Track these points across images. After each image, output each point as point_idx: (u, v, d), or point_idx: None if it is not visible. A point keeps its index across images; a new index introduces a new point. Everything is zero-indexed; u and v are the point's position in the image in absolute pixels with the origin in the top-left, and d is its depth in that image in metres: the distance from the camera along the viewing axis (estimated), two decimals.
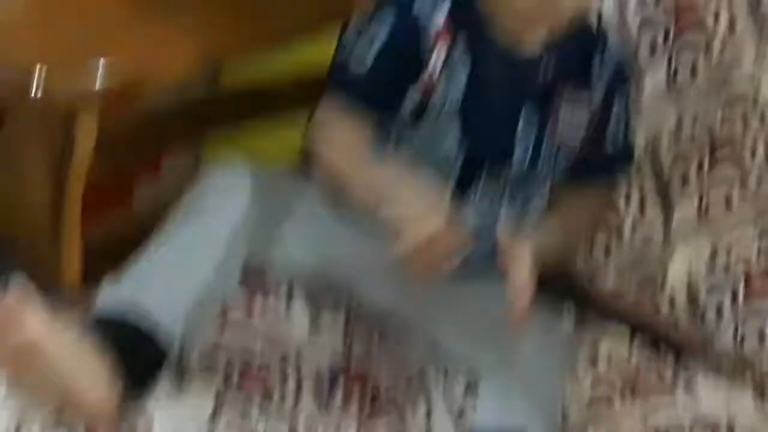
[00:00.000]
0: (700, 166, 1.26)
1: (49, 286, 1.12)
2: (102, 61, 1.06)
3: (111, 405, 1.03)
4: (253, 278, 1.21)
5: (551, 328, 1.23)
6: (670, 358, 1.26)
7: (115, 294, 1.09)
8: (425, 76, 1.15)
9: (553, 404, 1.18)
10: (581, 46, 1.20)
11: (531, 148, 1.19)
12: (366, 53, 1.15)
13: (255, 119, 1.34)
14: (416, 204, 1.07)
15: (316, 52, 1.28)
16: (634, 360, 1.26)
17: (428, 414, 1.17)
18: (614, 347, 1.27)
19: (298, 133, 1.25)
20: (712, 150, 1.25)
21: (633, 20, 1.29)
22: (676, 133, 1.27)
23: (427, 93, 1.16)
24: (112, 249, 1.20)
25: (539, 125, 1.18)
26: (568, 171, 1.22)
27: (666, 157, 1.28)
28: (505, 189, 1.20)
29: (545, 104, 1.18)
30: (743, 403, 1.22)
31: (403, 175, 1.11)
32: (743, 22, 1.23)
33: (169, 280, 1.11)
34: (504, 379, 1.15)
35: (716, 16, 1.24)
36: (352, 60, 1.16)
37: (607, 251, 1.31)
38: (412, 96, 1.16)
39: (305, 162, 1.24)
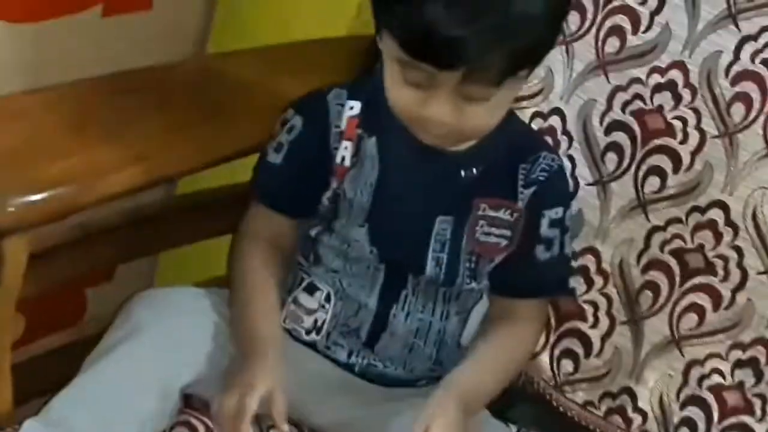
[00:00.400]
0: (671, 286, 1.22)
1: None
2: (30, 179, 1.04)
3: None
4: (196, 402, 1.16)
5: None
6: None
7: (47, 421, 1.05)
8: (334, 171, 1.15)
9: None
10: (508, 156, 1.16)
11: (445, 262, 1.15)
12: (282, 144, 1.16)
13: (205, 231, 1.32)
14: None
15: None
16: None
17: None
18: None
19: None
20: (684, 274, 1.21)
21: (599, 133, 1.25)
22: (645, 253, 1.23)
23: (335, 197, 1.15)
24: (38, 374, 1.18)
25: (451, 238, 1.15)
26: (496, 284, 1.19)
27: (635, 276, 1.24)
28: (435, 296, 1.17)
29: (461, 217, 1.14)
30: None
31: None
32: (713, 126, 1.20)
33: (104, 408, 1.07)
34: None
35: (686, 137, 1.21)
36: (270, 150, 1.17)
37: (576, 363, 1.26)
38: (328, 191, 1.16)
39: None
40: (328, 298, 1.17)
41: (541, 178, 1.16)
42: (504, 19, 1.00)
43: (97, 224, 1.20)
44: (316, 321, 1.18)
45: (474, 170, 1.14)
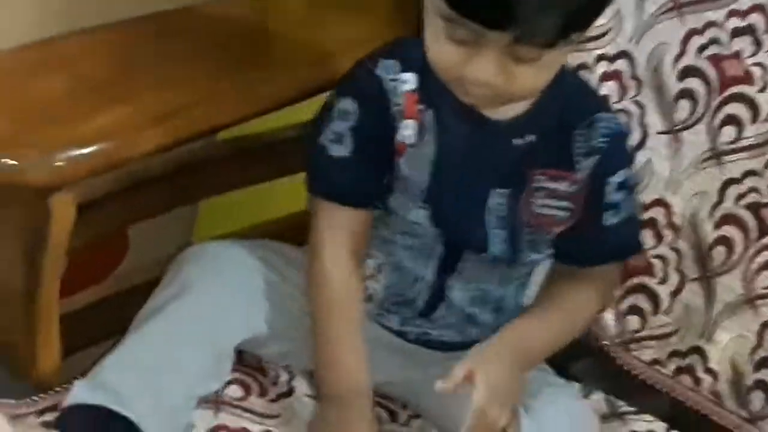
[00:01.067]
0: (746, 243, 1.18)
1: (23, 376, 1.08)
2: (74, 134, 1.02)
3: None
4: (249, 359, 1.15)
5: (583, 416, 1.13)
6: None
7: (94, 386, 1.03)
8: (395, 151, 1.08)
9: None
10: (563, 120, 1.09)
11: (506, 234, 1.10)
12: (342, 135, 1.08)
13: (249, 180, 1.29)
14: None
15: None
16: None
17: None
18: None
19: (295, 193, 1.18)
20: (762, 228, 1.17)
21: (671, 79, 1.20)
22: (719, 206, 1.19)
23: (394, 173, 1.09)
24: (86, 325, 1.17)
25: (508, 211, 1.09)
26: (563, 253, 1.13)
27: (707, 230, 1.20)
28: (495, 271, 1.13)
29: (516, 188, 1.09)
30: None
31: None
32: None
33: (153, 373, 1.04)
34: None
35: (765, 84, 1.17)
36: (329, 143, 1.08)
37: (643, 320, 1.23)
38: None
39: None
40: (380, 269, 1.14)
41: (601, 145, 1.09)
42: None
43: (142, 173, 1.17)
44: (369, 290, 1.14)
45: (527, 138, 1.08)
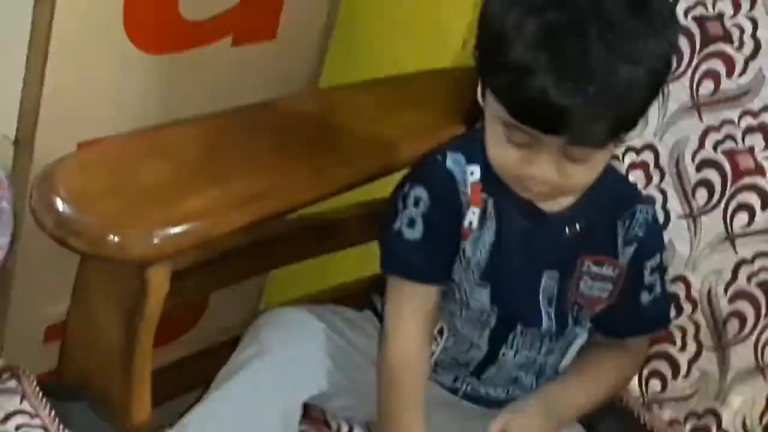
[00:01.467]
0: (757, 317, 1.20)
1: (118, 424, 1.11)
2: (171, 219, 1.06)
3: None
4: (315, 412, 1.18)
5: None
6: None
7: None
8: (461, 234, 1.11)
9: None
10: (606, 212, 1.14)
11: (554, 312, 1.13)
12: (414, 220, 1.11)
13: (318, 252, 1.32)
14: None
15: (380, 188, 1.24)
16: None
17: None
18: None
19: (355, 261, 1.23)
20: None
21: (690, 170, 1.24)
22: (733, 284, 1.21)
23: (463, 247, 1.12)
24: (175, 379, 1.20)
25: (558, 291, 1.13)
26: (602, 326, 1.18)
27: (723, 305, 1.22)
28: (542, 343, 1.16)
29: (566, 271, 1.12)
30: None
31: None
32: None
33: (234, 424, 1.09)
34: None
35: None
36: (404, 227, 1.11)
37: (664, 383, 1.25)
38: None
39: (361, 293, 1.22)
40: (441, 332, 1.16)
41: (640, 234, 1.14)
42: (609, 89, 0.97)
43: (224, 246, 1.20)
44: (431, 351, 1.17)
45: (577, 227, 1.12)
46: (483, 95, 1.06)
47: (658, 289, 1.17)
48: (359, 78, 1.41)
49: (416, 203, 1.10)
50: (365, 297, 1.25)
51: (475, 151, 1.10)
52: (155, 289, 1.06)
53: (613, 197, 1.14)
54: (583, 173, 1.04)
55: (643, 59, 0.99)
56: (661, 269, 1.18)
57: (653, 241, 1.16)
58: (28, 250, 1.23)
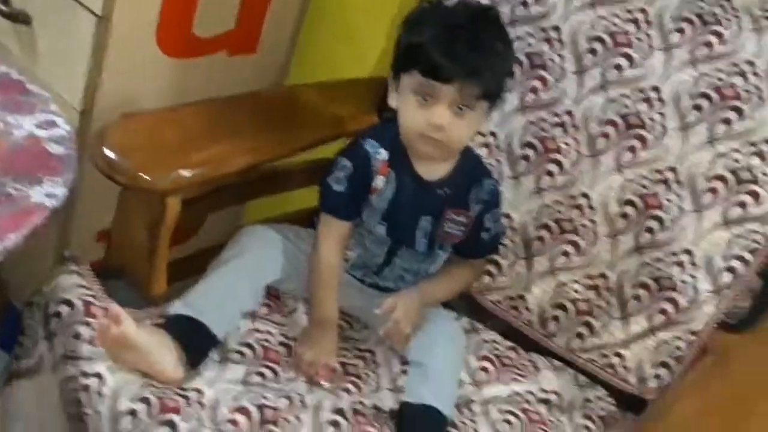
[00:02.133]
0: (553, 239, 1.18)
1: (145, 297, 1.07)
2: (185, 164, 1.01)
3: (178, 374, 0.97)
4: (273, 295, 1.14)
5: (455, 329, 1.15)
6: (524, 352, 1.20)
7: (185, 304, 1.03)
8: (370, 191, 1.09)
9: (455, 384, 1.09)
10: (465, 181, 1.12)
11: (427, 241, 1.12)
12: (341, 179, 1.09)
13: (281, 190, 1.27)
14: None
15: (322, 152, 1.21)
16: (504, 352, 1.19)
17: (377, 387, 1.08)
18: (492, 344, 1.20)
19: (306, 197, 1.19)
20: (560, 233, 1.18)
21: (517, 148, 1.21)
22: (538, 219, 1.20)
23: (368, 201, 1.10)
24: (183, 265, 1.15)
25: (431, 229, 1.11)
26: (457, 249, 1.16)
27: (531, 231, 1.20)
28: (418, 258, 1.14)
29: (436, 218, 1.11)
30: (567, 382, 1.16)
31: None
32: (585, 150, 1.16)
33: (219, 298, 1.04)
34: (425, 365, 1.07)
35: (568, 154, 1.17)
36: (333, 183, 1.09)
37: (492, 278, 1.23)
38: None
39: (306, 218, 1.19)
40: (353, 246, 1.13)
41: (485, 198, 1.13)
42: (488, 55, 1.00)
43: (220, 184, 1.14)
44: (348, 256, 1.14)
45: (446, 190, 1.10)
46: (396, 89, 1.05)
47: (493, 231, 1.16)
48: (313, 79, 1.35)
49: (343, 169, 1.09)
50: (311, 220, 1.20)
51: (385, 140, 1.09)
52: (171, 210, 1.02)
53: (470, 172, 1.13)
54: (465, 128, 1.03)
55: (507, 55, 1.06)
56: (498, 219, 1.16)
57: (494, 202, 1.15)
58: (87, 182, 1.16)
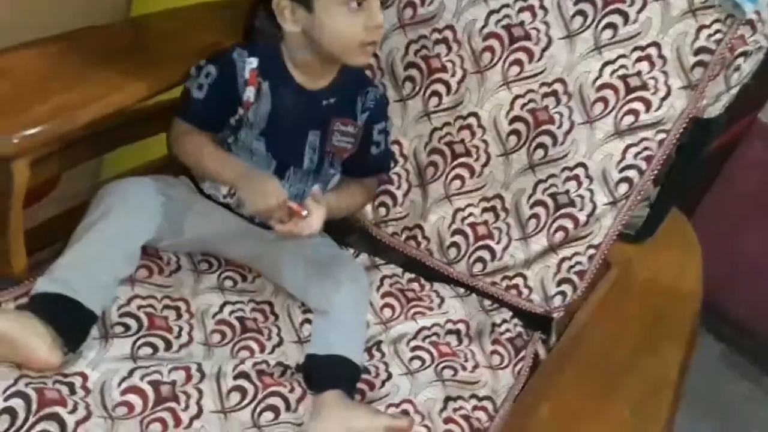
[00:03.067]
0: (445, 164, 1.15)
1: (2, 275, 0.95)
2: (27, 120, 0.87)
3: (55, 359, 0.88)
4: (151, 255, 1.05)
5: (356, 270, 1.10)
6: (427, 283, 1.17)
7: (51, 280, 0.92)
8: (242, 104, 1.03)
9: (362, 329, 1.05)
10: (350, 90, 1.07)
11: (316, 158, 1.07)
12: (203, 85, 1.02)
13: (140, 137, 1.14)
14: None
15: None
16: (406, 286, 1.16)
17: (280, 341, 1.03)
18: (394, 278, 1.17)
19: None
20: (453, 156, 1.14)
21: (400, 70, 1.15)
22: (429, 144, 1.15)
23: (243, 117, 1.04)
24: (42, 232, 1.03)
25: (319, 143, 1.06)
26: (347, 169, 1.11)
27: (423, 157, 1.16)
28: (308, 178, 1.08)
29: (323, 130, 1.06)
30: (473, 309, 1.15)
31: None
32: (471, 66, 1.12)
33: (90, 268, 0.94)
34: (328, 313, 1.02)
35: (454, 73, 1.12)
36: (194, 89, 1.03)
37: (387, 210, 1.19)
38: (235, 116, 1.04)
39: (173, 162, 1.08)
40: None
41: (370, 105, 1.08)
42: None
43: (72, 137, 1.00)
44: (230, 189, 1.06)
45: (331, 100, 1.04)
46: (308, 7, 0.97)
47: (383, 146, 1.11)
48: (163, 6, 1.20)
49: (206, 76, 1.03)
50: (179, 167, 1.11)
51: (257, 51, 1.02)
52: (20, 177, 0.90)
53: (355, 81, 1.07)
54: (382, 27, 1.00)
55: None
56: (386, 133, 1.12)
57: (380, 111, 1.11)
58: None
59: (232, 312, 1.03)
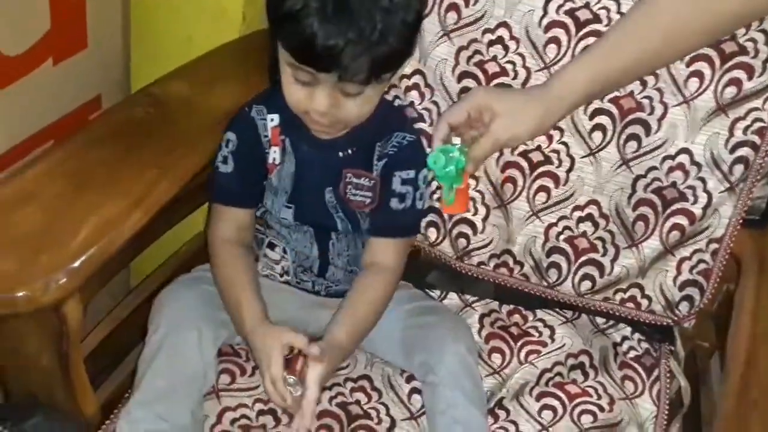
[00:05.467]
0: (524, 177, 1.04)
1: (75, 420, 0.87)
2: (66, 257, 0.78)
3: None
4: (227, 354, 0.97)
5: (456, 324, 1.01)
6: (529, 313, 1.08)
7: (132, 421, 0.85)
8: (267, 168, 0.96)
9: (478, 391, 0.96)
10: (371, 137, 0.96)
11: (344, 216, 0.97)
12: (227, 157, 0.94)
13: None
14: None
15: None
16: (508, 321, 1.08)
17: (392, 422, 0.94)
18: (492, 315, 1.08)
19: None
20: (530, 167, 1.04)
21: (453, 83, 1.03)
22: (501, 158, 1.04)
23: (268, 182, 0.96)
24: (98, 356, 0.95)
25: (336, 201, 0.97)
26: (372, 227, 0.99)
27: (497, 175, 1.05)
28: (356, 241, 1.00)
29: (335, 186, 0.96)
30: (587, 332, 1.06)
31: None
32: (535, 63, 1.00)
33: (169, 395, 0.87)
34: (437, 386, 0.93)
35: (516, 74, 0.98)
36: (219, 164, 0.95)
37: (468, 240, 1.09)
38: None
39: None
40: (284, 251, 0.99)
41: (391, 151, 0.96)
42: (368, 33, 0.80)
43: None
44: (283, 267, 1.00)
45: (349, 151, 0.95)
46: (275, 49, 0.87)
47: (409, 201, 0.97)
48: (163, 56, 1.12)
49: (227, 144, 0.94)
50: None
51: (276, 103, 0.93)
52: (72, 318, 0.80)
53: (378, 125, 0.96)
54: (357, 107, 0.88)
55: (396, 10, 0.82)
56: (415, 185, 0.98)
57: (404, 158, 0.97)
58: None
59: (331, 399, 0.95)
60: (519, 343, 1.05)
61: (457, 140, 0.92)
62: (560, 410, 0.97)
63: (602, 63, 0.87)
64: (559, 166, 1.03)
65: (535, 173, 1.04)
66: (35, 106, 1.06)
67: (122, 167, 0.88)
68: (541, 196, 1.05)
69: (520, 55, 1.00)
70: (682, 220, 1.01)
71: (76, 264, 0.77)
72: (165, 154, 0.91)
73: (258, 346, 0.88)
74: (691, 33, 0.87)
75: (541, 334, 1.06)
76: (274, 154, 0.94)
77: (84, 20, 1.09)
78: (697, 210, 1.00)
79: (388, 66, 0.85)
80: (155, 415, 0.85)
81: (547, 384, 0.99)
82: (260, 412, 0.92)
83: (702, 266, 1.02)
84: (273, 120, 0.93)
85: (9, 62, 0.99)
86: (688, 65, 0.97)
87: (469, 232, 1.08)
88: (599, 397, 0.98)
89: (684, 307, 1.04)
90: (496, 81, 1.01)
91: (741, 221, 1.00)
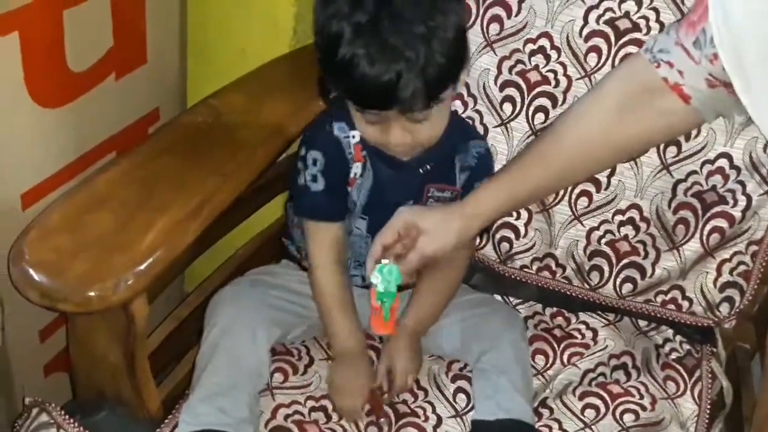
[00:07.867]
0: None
1: (138, 418, 0.93)
2: (135, 260, 0.83)
3: None
4: (280, 353, 1.02)
5: (509, 315, 1.06)
6: (572, 315, 1.11)
7: (193, 416, 0.91)
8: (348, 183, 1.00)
9: (529, 379, 1.01)
10: (449, 151, 1.01)
11: None
12: (316, 175, 0.98)
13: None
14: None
15: None
16: (551, 324, 1.11)
17: (438, 420, 0.98)
18: (536, 317, 1.12)
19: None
20: None
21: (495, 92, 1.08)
22: None
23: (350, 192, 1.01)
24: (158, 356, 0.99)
25: None
26: None
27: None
28: None
29: (416, 200, 1.00)
30: (629, 334, 1.09)
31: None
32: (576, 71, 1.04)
33: (228, 393, 0.92)
34: (488, 371, 0.98)
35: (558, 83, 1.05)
36: (309, 183, 0.98)
37: (510, 244, 1.13)
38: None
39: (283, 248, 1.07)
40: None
41: (472, 164, 1.02)
42: (415, 61, 0.84)
43: None
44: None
45: (428, 167, 0.99)
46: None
47: None
48: (216, 78, 1.15)
49: (315, 163, 0.98)
50: (277, 246, 1.10)
51: (351, 119, 0.97)
52: (139, 317, 0.86)
53: (453, 138, 1.00)
54: (429, 129, 0.93)
55: (434, 32, 0.86)
56: None
57: (484, 168, 1.03)
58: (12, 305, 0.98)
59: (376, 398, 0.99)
60: (562, 345, 1.08)
61: (386, 261, 0.94)
62: (603, 409, 1.00)
63: (511, 185, 0.95)
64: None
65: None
66: (99, 118, 1.12)
67: (186, 174, 0.94)
68: (583, 201, 1.08)
69: (561, 64, 1.04)
70: (722, 223, 1.04)
71: (144, 266, 0.82)
72: (226, 162, 0.97)
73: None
74: (595, 162, 0.96)
75: (584, 336, 1.09)
76: (356, 169, 0.98)
77: (144, 37, 1.16)
78: (736, 213, 1.03)
79: (442, 85, 0.89)
80: (217, 409, 0.90)
81: (590, 384, 1.03)
82: (312, 409, 0.97)
83: (742, 268, 1.05)
84: (354, 137, 0.98)
85: (75, 78, 1.06)
86: (585, 41, 1.01)
87: (512, 236, 1.13)
88: (641, 397, 1.01)
89: (724, 308, 1.07)
90: (537, 89, 1.06)
91: None
